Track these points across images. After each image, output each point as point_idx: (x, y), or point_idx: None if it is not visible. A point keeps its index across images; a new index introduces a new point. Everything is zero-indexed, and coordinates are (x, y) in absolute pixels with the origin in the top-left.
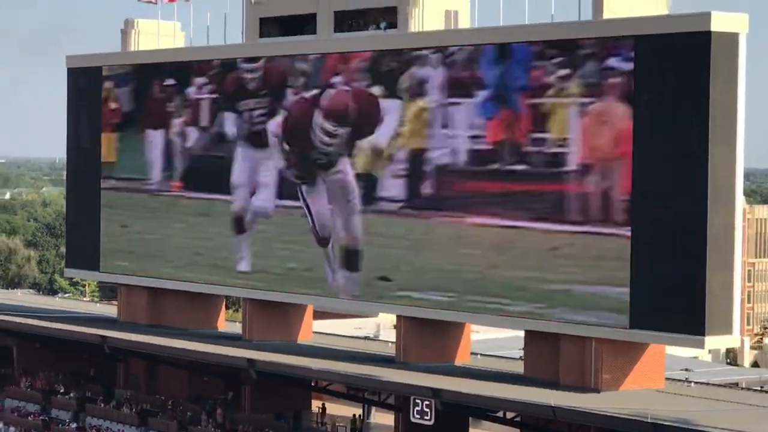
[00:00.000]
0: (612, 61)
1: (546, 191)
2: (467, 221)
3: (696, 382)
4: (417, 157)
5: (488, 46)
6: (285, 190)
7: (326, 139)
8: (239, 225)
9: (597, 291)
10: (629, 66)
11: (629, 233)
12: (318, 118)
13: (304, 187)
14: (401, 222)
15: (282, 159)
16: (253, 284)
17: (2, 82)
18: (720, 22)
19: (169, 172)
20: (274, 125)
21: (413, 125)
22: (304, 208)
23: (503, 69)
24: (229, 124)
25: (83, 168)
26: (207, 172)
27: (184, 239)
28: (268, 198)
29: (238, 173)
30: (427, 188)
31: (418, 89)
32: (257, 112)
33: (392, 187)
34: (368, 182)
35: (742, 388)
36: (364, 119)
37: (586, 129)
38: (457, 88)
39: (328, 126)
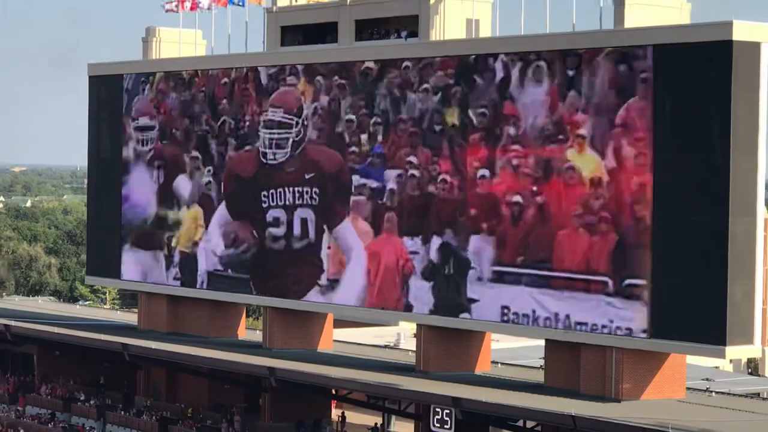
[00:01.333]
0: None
1: None
2: None
3: (717, 392)
4: None
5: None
6: None
7: None
8: None
9: None
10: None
11: None
12: None
13: None
14: None
15: None
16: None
17: (24, 92)
18: (742, 31)
19: None
20: None
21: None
22: None
23: None
24: None
25: (104, 176)
26: None
27: None
28: None
29: None
30: None
31: None
32: None
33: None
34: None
35: (764, 398)
36: None
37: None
38: None
39: None
